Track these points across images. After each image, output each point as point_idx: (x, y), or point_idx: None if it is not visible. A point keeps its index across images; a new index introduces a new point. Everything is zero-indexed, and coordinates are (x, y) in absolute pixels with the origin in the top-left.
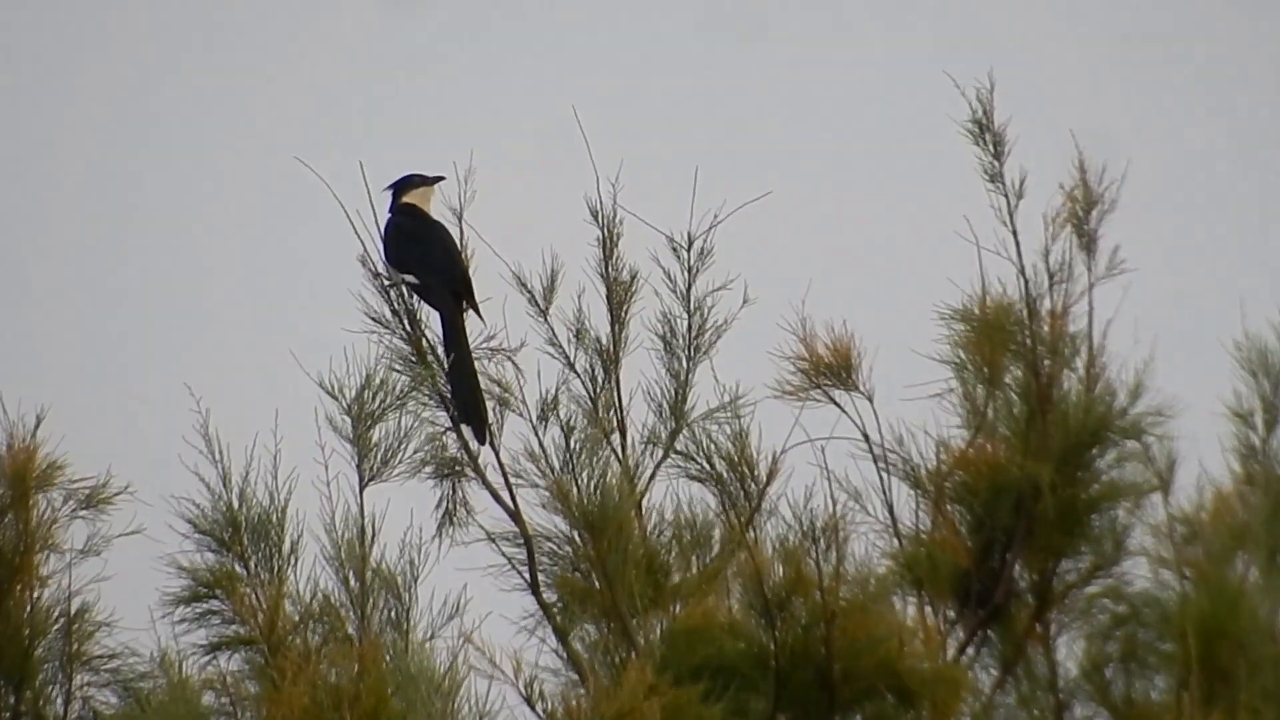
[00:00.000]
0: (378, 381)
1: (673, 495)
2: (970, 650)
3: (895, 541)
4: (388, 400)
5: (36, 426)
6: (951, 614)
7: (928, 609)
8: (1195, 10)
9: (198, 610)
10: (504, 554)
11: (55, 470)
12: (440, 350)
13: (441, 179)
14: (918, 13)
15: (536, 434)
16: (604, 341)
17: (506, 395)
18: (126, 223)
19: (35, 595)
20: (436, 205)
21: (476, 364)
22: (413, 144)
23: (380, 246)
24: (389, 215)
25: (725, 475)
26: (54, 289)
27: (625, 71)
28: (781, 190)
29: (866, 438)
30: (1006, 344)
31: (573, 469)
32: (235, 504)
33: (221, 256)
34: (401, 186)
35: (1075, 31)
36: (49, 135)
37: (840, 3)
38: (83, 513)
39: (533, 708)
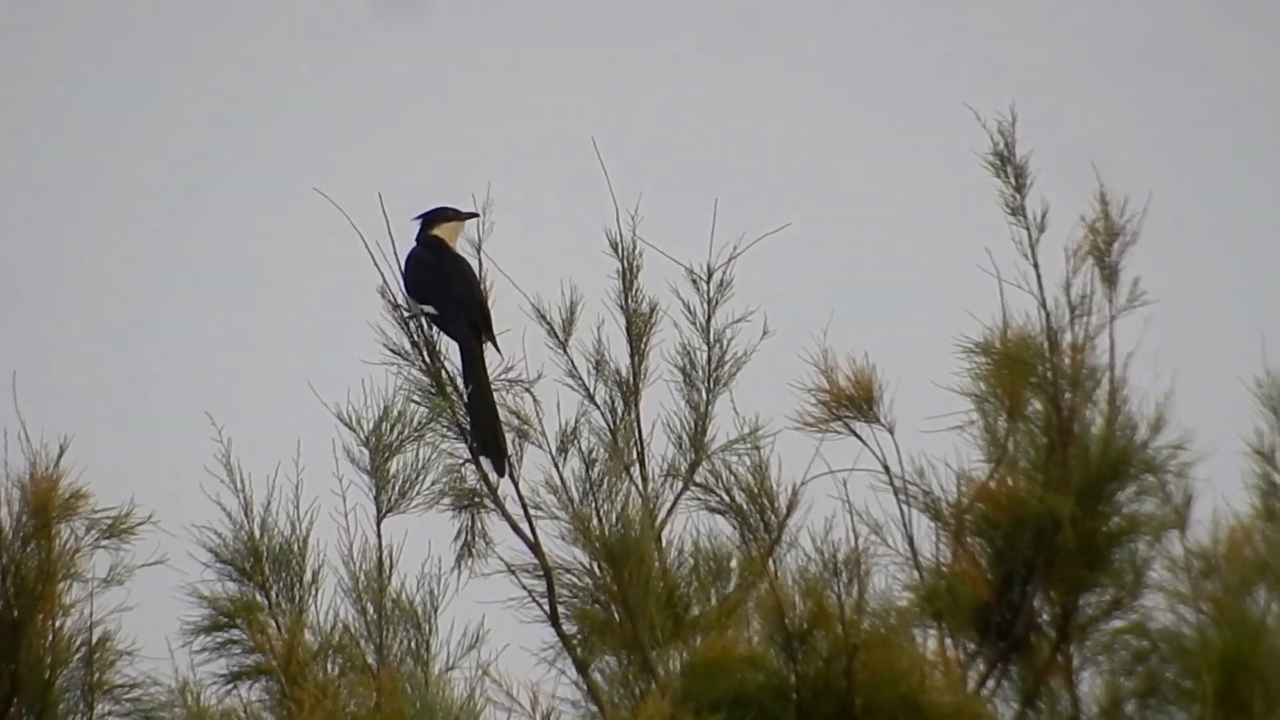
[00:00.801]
0: (395, 413)
1: (693, 527)
2: (990, 683)
3: (916, 574)
4: (405, 432)
5: (60, 456)
6: (972, 646)
7: (948, 641)
8: (1220, 42)
9: (218, 640)
10: (523, 586)
11: (78, 499)
12: (459, 382)
13: (474, 215)
14: (940, 46)
15: (556, 466)
16: (623, 373)
17: (526, 427)
18: (147, 253)
19: (57, 624)
20: (468, 234)
21: (495, 396)
22: (422, 171)
23: (400, 277)
24: (413, 245)
25: (745, 507)
26: (77, 319)
27: (639, 97)
28: (801, 222)
29: (887, 470)
30: (1027, 377)
31: (593, 501)
32: (257, 533)
33: (242, 287)
34: (432, 219)
35: (1097, 62)
36: (70, 162)
37: (862, 35)
38: (105, 542)
39: None
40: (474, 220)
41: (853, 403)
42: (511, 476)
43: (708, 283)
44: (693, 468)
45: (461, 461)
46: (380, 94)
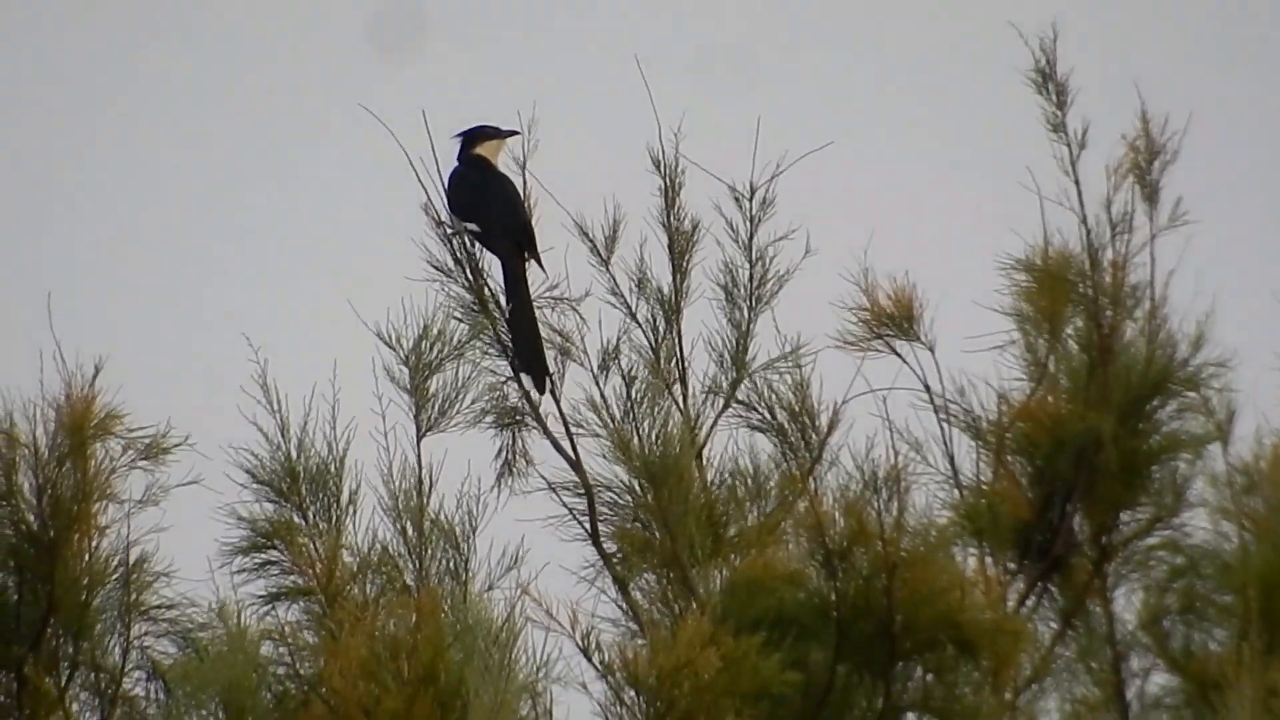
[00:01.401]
0: (436, 331)
1: (733, 446)
2: (1030, 602)
3: (956, 493)
4: (446, 350)
5: (95, 376)
6: (1012, 566)
7: (988, 560)
8: None
9: (256, 560)
10: (564, 504)
11: (114, 420)
12: (501, 299)
13: (515, 133)
14: None
15: (598, 383)
16: (665, 291)
17: (568, 345)
18: (184, 174)
19: (93, 545)
20: (508, 154)
21: (538, 313)
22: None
23: (444, 195)
24: (455, 165)
25: (786, 425)
26: (112, 240)
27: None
28: (843, 141)
29: (928, 389)
30: (1068, 295)
31: (634, 419)
32: (294, 454)
33: (281, 205)
34: (473, 137)
35: None
36: (105, 89)
37: None
38: (141, 463)
39: (589, 659)
40: (515, 138)
41: (893, 321)
42: (553, 394)
43: (750, 201)
44: (734, 386)
45: (503, 379)
46: (428, 11)
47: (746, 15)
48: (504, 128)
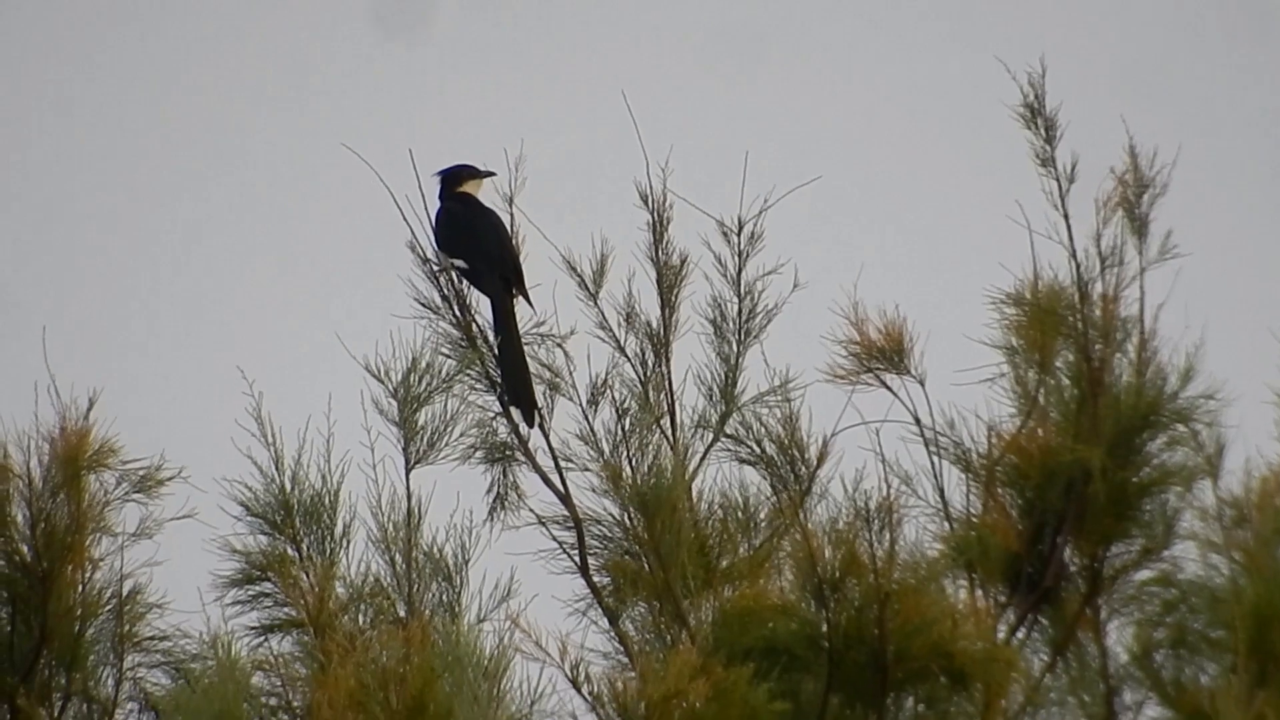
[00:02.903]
0: (424, 364)
1: (723, 478)
2: (1020, 633)
3: (946, 525)
4: (434, 383)
5: (90, 408)
6: (1002, 597)
7: (979, 592)
8: None
9: (250, 592)
10: (554, 537)
11: (108, 452)
12: (490, 335)
13: (493, 174)
14: None
15: (587, 418)
16: (654, 325)
17: (557, 380)
18: (179, 208)
19: (87, 576)
20: (487, 194)
21: (526, 349)
22: (453, 127)
23: (430, 232)
24: (440, 202)
25: (776, 458)
26: (108, 272)
27: (667, 54)
28: (832, 174)
29: (918, 421)
30: (1058, 328)
31: (624, 452)
32: (288, 486)
33: (273, 244)
34: (456, 176)
35: (1127, 13)
36: (106, 119)
37: None
38: (135, 495)
39: (579, 690)
40: (492, 179)
41: (883, 355)
42: (542, 428)
43: (738, 235)
44: (723, 419)
45: (492, 414)
46: (413, 56)
47: (735, 48)
48: (482, 168)
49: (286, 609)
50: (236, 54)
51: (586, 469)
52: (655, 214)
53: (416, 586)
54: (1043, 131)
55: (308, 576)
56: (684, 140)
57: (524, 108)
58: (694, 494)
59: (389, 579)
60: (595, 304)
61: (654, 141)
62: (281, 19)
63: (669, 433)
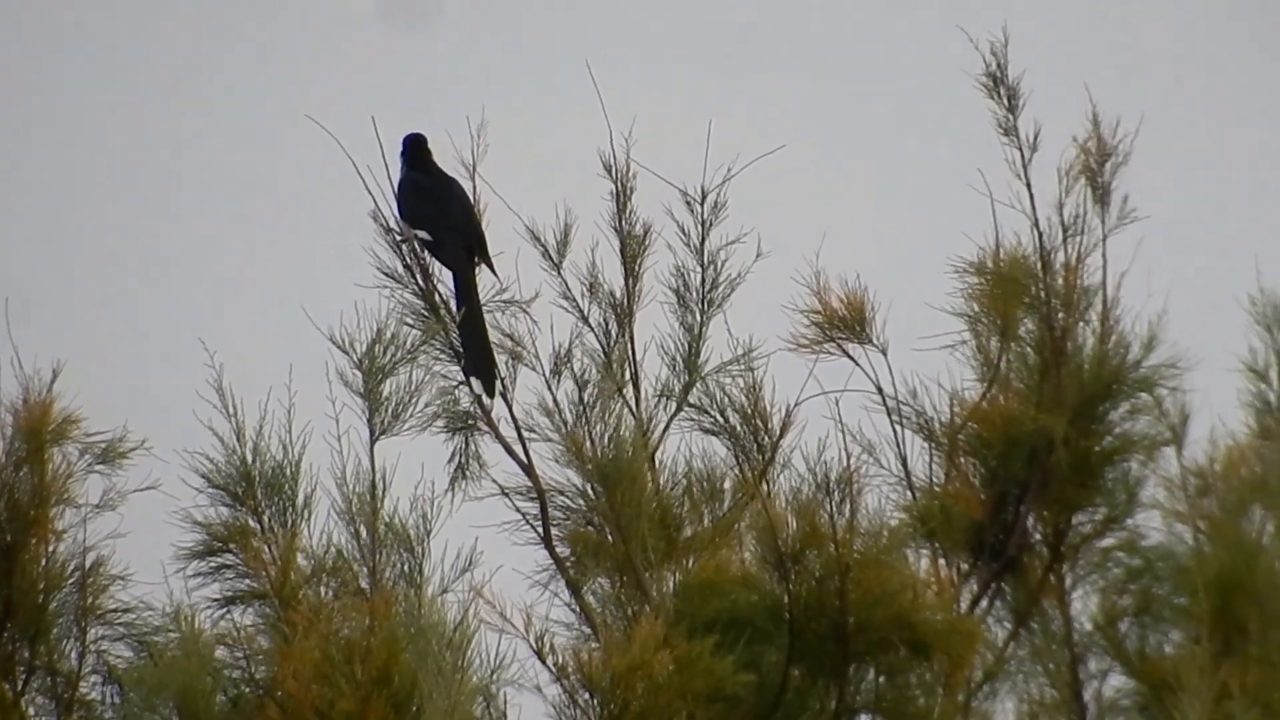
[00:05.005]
0: (389, 336)
1: (686, 449)
2: (984, 603)
3: (909, 494)
4: (399, 354)
5: (53, 380)
6: (965, 566)
7: (941, 561)
8: None
9: (212, 564)
10: (517, 508)
11: (71, 424)
12: (452, 305)
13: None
14: None
15: (550, 388)
16: (618, 295)
17: (519, 349)
18: (141, 179)
19: (50, 549)
20: (450, 161)
21: (488, 318)
22: (416, 95)
23: (393, 202)
24: (405, 170)
25: (739, 428)
26: (70, 244)
27: (630, 22)
28: (794, 144)
29: (880, 390)
30: (1020, 297)
31: (586, 423)
32: (249, 458)
33: (235, 214)
34: (419, 144)
35: None
36: (68, 91)
37: None
38: (98, 467)
39: (543, 662)
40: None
41: (845, 324)
42: (504, 398)
43: (702, 204)
44: (686, 389)
45: (455, 384)
46: (373, 26)
47: (697, 18)
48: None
49: (249, 581)
50: (209, 32)
51: (549, 439)
52: (618, 184)
53: (380, 558)
54: (1005, 100)
55: (270, 548)
56: (649, 113)
57: (522, 106)
58: (657, 464)
59: (352, 550)
60: (559, 274)
61: (622, 108)
62: None
63: (632, 403)
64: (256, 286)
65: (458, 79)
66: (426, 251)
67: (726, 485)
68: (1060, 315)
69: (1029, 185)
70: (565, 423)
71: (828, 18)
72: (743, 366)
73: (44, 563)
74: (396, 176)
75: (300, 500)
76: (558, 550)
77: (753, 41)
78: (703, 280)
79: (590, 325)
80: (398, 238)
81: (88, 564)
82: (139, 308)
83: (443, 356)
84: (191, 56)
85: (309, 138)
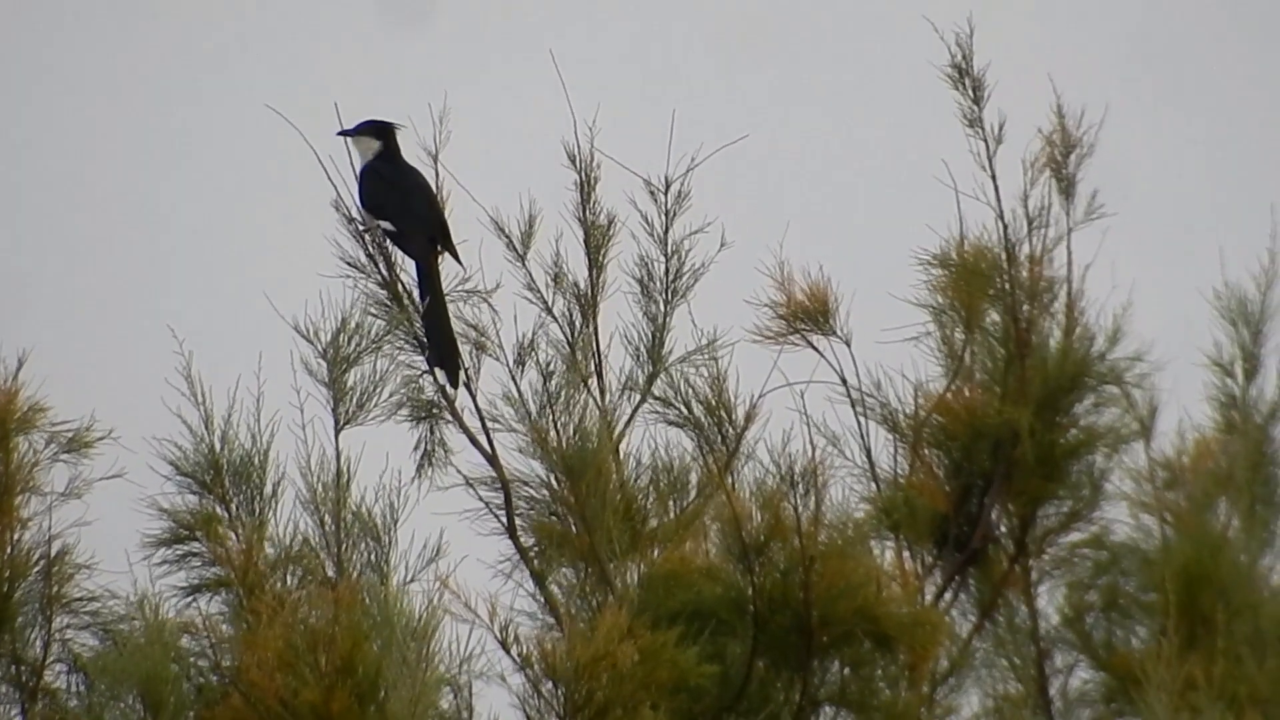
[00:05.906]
0: (353, 325)
1: (650, 440)
2: (948, 595)
3: (873, 486)
4: (363, 344)
5: (19, 369)
6: (929, 559)
7: (906, 553)
8: None
9: (178, 552)
10: (481, 498)
11: (37, 413)
12: (415, 294)
13: (402, 126)
14: None
15: (514, 378)
16: (582, 285)
17: (483, 340)
18: (107, 167)
19: (15, 537)
20: (412, 148)
21: (451, 308)
22: (377, 81)
23: (356, 192)
24: (366, 159)
25: (703, 419)
26: (37, 232)
27: (594, 12)
28: (758, 134)
29: (844, 382)
30: (985, 288)
31: (551, 413)
32: (217, 446)
33: (202, 202)
34: (381, 130)
35: None
36: (42, 80)
37: None
38: (64, 456)
39: (508, 651)
40: (401, 129)
41: (809, 315)
42: (468, 388)
43: (665, 194)
44: (650, 380)
45: (419, 373)
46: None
47: (665, 10)
48: (392, 121)
49: (215, 569)
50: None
51: (514, 430)
52: (582, 174)
53: (345, 547)
54: (970, 92)
55: (236, 536)
56: (613, 102)
57: (520, 102)
58: (621, 455)
59: (318, 539)
60: (523, 264)
61: (585, 101)
62: None
63: (596, 394)
64: (225, 274)
65: (449, 74)
66: (389, 241)
67: (691, 477)
68: (1025, 307)
69: (994, 177)
70: (530, 413)
71: (791, 8)
72: (707, 357)
73: (9, 551)
74: (357, 152)
75: (268, 489)
76: (522, 540)
77: (717, 32)
78: (666, 270)
79: (554, 316)
80: (360, 227)
81: (53, 552)
82: (106, 295)
83: (407, 346)
84: (170, 48)
85: (277, 128)
